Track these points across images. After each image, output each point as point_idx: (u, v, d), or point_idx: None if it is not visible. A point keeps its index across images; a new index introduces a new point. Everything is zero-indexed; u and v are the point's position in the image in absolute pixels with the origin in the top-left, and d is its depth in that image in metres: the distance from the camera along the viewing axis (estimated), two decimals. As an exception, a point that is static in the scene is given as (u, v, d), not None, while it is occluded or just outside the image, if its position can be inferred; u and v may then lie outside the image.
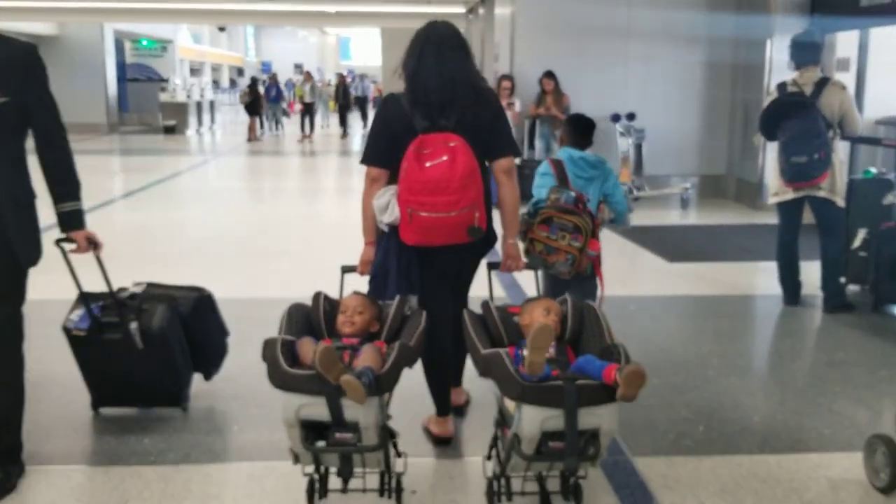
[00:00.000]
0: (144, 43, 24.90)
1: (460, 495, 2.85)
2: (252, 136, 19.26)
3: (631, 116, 9.49)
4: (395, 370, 2.44)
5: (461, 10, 15.40)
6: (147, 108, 23.03)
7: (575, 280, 3.48)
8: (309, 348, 2.48)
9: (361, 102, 23.06)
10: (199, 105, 21.90)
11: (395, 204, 2.87)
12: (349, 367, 2.42)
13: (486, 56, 12.91)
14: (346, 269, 3.04)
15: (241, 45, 43.72)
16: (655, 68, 9.87)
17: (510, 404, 2.45)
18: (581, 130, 3.81)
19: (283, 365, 2.39)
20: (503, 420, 2.64)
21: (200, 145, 18.87)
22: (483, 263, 3.17)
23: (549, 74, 9.39)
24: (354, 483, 2.64)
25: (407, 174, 2.80)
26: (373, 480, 2.69)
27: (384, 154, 2.97)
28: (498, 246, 3.18)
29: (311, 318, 2.78)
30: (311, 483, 2.63)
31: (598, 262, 3.58)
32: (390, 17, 16.57)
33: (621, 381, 2.22)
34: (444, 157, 2.76)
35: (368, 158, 3.02)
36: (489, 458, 2.83)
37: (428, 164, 2.77)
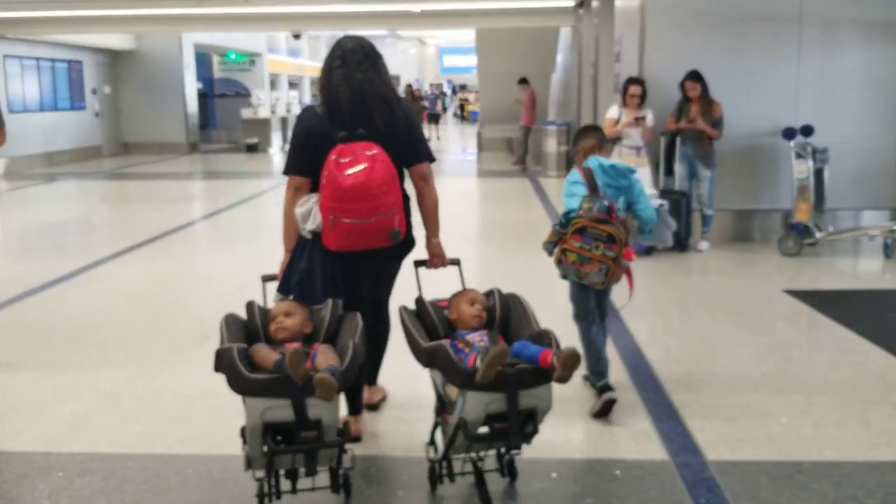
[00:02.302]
0: (232, 56, 23.82)
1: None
2: None
3: (807, 131, 6.99)
4: (354, 367, 2.56)
5: (570, 3, 13.09)
6: (234, 125, 21.79)
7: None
8: (266, 353, 2.55)
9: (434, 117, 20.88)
10: (283, 121, 20.47)
11: (318, 211, 3.01)
12: (311, 368, 2.49)
13: (601, 56, 10.59)
14: (267, 278, 3.11)
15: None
16: (838, 66, 7.35)
17: (452, 391, 2.64)
18: (592, 135, 3.78)
19: (243, 371, 2.45)
20: (443, 407, 2.80)
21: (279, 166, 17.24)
22: (410, 262, 3.27)
23: (695, 76, 7.00)
24: (302, 483, 2.70)
25: (328, 182, 2.92)
26: (321, 479, 2.75)
27: (305, 163, 3.09)
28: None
29: (248, 327, 2.83)
30: (260, 487, 2.65)
31: (630, 272, 3.56)
32: (483, 16, 14.38)
33: (559, 364, 2.47)
34: (364, 165, 2.89)
35: (290, 168, 3.14)
36: (430, 443, 2.95)
37: (348, 172, 2.88)
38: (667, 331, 5.14)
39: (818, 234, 6.81)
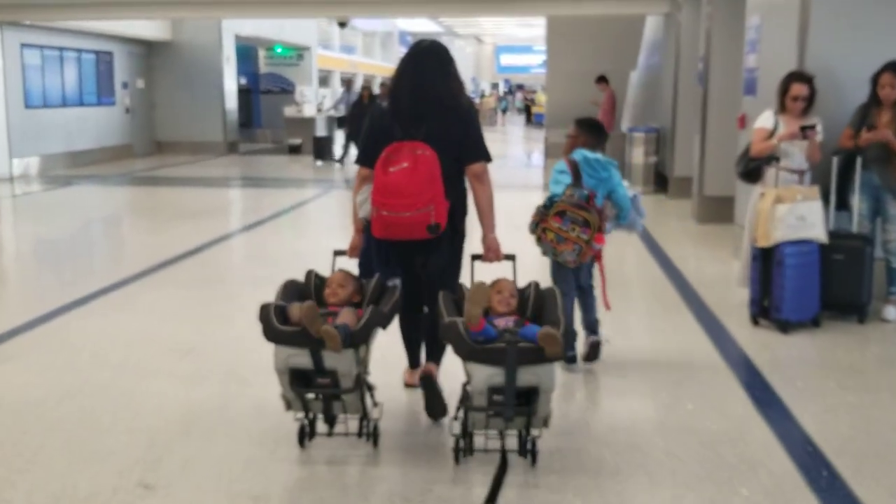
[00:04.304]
0: (279, 50, 22.18)
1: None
2: None
3: None
4: (367, 327, 2.96)
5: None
6: (280, 123, 20.02)
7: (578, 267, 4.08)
8: (296, 310, 2.94)
9: None
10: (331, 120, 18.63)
11: (370, 201, 3.28)
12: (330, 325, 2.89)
13: (714, 48, 8.44)
14: (338, 253, 3.46)
15: (395, 57, 41.44)
16: None
17: (469, 367, 2.88)
18: (596, 133, 4.17)
19: (274, 323, 2.92)
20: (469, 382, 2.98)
21: (326, 171, 15.33)
22: (468, 255, 3.50)
23: (893, 67, 4.86)
24: (339, 429, 3.16)
25: (375, 176, 3.24)
26: (355, 426, 3.18)
27: (370, 156, 3.32)
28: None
29: (304, 292, 3.27)
30: (301, 427, 3.15)
31: (601, 255, 4.07)
32: (557, 2, 12.26)
33: (539, 342, 2.76)
34: (405, 164, 3.16)
35: (359, 160, 3.46)
36: (456, 418, 3.11)
37: (391, 170, 3.17)
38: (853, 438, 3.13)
39: None
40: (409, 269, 3.44)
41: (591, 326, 4.27)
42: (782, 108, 5.08)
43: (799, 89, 4.98)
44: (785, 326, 4.77)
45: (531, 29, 36.76)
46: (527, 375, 2.78)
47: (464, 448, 3.04)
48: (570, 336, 3.73)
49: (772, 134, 5.04)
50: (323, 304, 3.17)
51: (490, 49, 49.33)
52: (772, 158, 5.01)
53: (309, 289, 3.30)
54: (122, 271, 6.49)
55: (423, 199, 3.13)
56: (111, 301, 5.60)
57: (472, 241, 3.58)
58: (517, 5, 12.60)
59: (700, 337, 4.78)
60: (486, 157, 3.40)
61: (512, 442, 3.03)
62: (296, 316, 2.88)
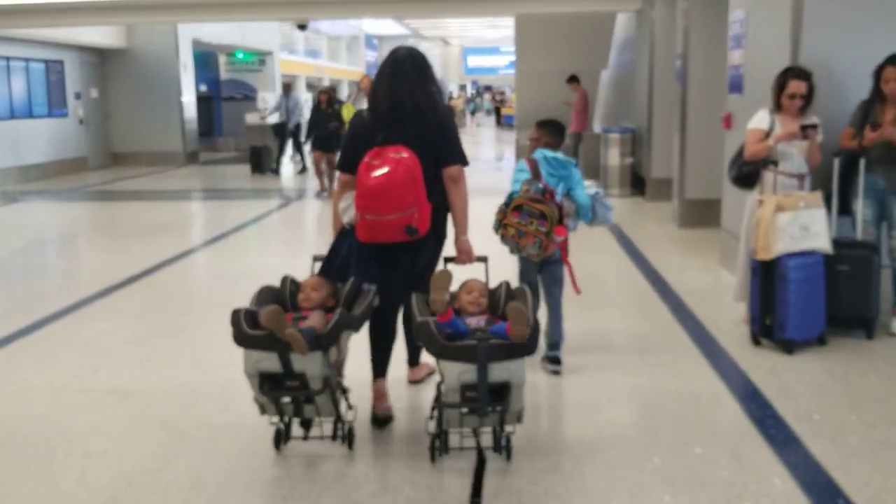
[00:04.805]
0: (240, 56, 21.53)
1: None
2: (327, 189, 11.64)
3: None
4: (335, 329, 2.98)
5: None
6: (243, 130, 19.31)
7: (544, 264, 4.11)
8: (262, 314, 2.92)
9: None
10: (297, 128, 17.94)
11: (353, 206, 3.36)
12: (298, 329, 2.94)
13: (693, 44, 8.05)
14: (317, 258, 3.54)
15: (361, 61, 40.81)
16: None
17: (443, 366, 2.94)
18: (556, 133, 4.27)
19: (244, 327, 2.95)
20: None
21: (288, 182, 14.75)
22: (441, 257, 3.60)
23: (898, 63, 4.47)
24: (315, 432, 3.21)
25: (358, 181, 3.30)
26: (329, 429, 3.24)
27: (351, 162, 3.41)
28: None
29: (279, 297, 3.30)
30: (277, 432, 3.21)
31: (566, 249, 4.13)
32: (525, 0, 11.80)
33: (508, 320, 2.87)
34: (386, 168, 3.22)
35: (341, 165, 3.54)
36: (431, 417, 3.18)
37: (373, 174, 3.23)
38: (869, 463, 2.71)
39: None
40: (391, 272, 3.48)
41: (555, 344, 4.20)
42: (778, 107, 4.66)
43: (797, 86, 4.56)
44: (790, 347, 4.34)
45: (498, 30, 36.43)
46: (498, 371, 2.85)
47: (439, 447, 3.11)
48: (535, 330, 3.60)
49: (767, 135, 4.62)
50: (297, 309, 3.26)
51: (457, 51, 48.89)
52: (769, 162, 4.59)
53: (284, 294, 3.36)
54: (61, 300, 5.89)
55: (405, 201, 3.21)
56: (43, 338, 5.01)
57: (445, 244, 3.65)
58: (485, 5, 12.13)
59: (699, 361, 4.34)
60: (463, 161, 3.48)
61: (487, 439, 3.11)
62: (262, 319, 2.91)
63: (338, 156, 8.92)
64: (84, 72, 16.09)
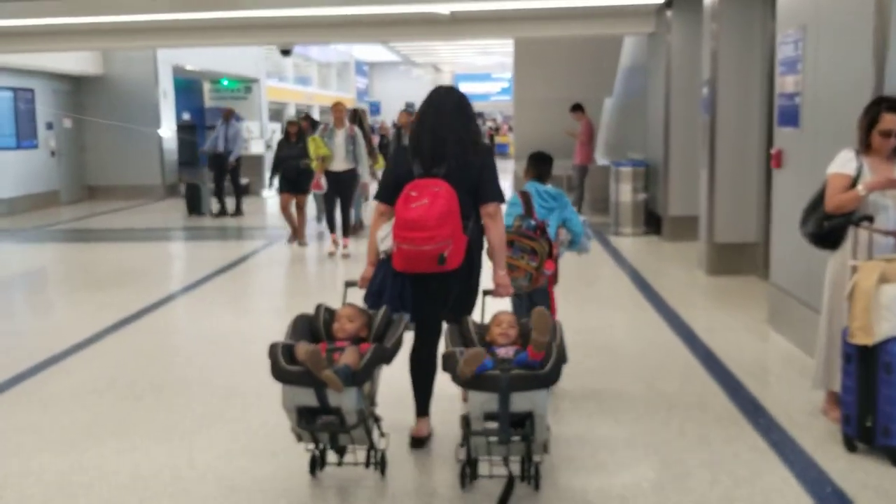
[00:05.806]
0: (225, 83, 20.65)
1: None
2: (298, 236, 9.56)
3: None
4: (369, 366, 3.08)
5: (654, 0, 9.73)
6: (227, 161, 18.35)
7: (531, 292, 4.26)
8: (301, 351, 3.05)
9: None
10: (238, 162, 16.41)
11: (391, 236, 3.45)
12: (335, 363, 3.06)
13: (722, 68, 7.17)
14: (349, 284, 3.66)
15: (352, 87, 40.13)
16: None
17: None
18: (538, 164, 4.53)
19: (282, 362, 3.04)
20: None
21: (271, 220, 13.68)
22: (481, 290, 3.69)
23: None
24: (349, 458, 3.31)
25: (396, 212, 3.43)
26: (363, 456, 3.32)
27: (390, 193, 3.55)
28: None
29: (313, 328, 3.43)
30: (312, 458, 3.37)
31: (553, 280, 4.41)
32: (527, 21, 10.93)
33: (532, 326, 3.02)
34: (425, 201, 3.34)
35: (379, 195, 3.65)
36: (462, 444, 3.21)
37: (412, 206, 3.35)
38: None
39: None
40: (425, 303, 3.56)
41: None
42: (867, 147, 3.74)
43: (893, 121, 3.64)
44: (898, 456, 3.40)
45: (490, 57, 35.86)
46: (521, 401, 2.91)
47: (469, 474, 3.21)
48: (559, 360, 3.51)
49: (854, 182, 3.71)
50: (331, 339, 3.37)
51: (448, 77, 48.32)
52: (861, 218, 3.66)
53: (318, 324, 3.45)
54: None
55: (442, 233, 3.31)
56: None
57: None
58: (484, 27, 11.26)
59: (782, 474, 3.37)
60: (500, 198, 3.58)
61: (516, 468, 3.19)
62: (301, 356, 3.01)
63: (308, 198, 8.19)
64: (57, 100, 15.13)
